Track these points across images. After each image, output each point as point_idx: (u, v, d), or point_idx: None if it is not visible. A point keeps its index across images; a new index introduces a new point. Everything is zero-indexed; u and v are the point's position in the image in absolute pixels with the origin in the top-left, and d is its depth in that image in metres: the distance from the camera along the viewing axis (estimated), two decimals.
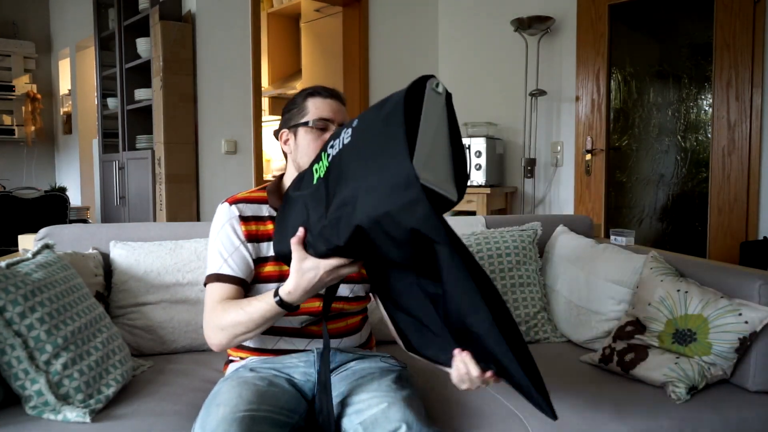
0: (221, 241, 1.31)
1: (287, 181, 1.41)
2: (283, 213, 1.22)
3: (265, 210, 1.36)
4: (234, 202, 1.35)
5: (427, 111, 0.93)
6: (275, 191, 1.39)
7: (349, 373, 1.29)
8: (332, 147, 1.05)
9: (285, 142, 1.39)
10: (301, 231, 1.10)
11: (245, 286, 1.31)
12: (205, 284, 1.32)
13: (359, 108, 4.16)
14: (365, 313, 1.49)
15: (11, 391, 1.23)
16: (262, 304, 1.17)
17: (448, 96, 0.99)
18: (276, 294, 1.14)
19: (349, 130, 1.01)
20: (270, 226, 1.34)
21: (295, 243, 1.10)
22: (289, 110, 1.39)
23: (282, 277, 1.32)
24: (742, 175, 3.18)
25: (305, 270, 1.09)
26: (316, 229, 1.06)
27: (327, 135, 1.33)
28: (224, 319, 1.21)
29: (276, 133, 1.42)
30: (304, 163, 1.34)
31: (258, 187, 1.43)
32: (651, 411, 1.34)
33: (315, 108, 1.34)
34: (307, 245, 1.09)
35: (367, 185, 0.93)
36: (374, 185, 0.91)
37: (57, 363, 1.23)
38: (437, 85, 0.96)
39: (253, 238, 1.32)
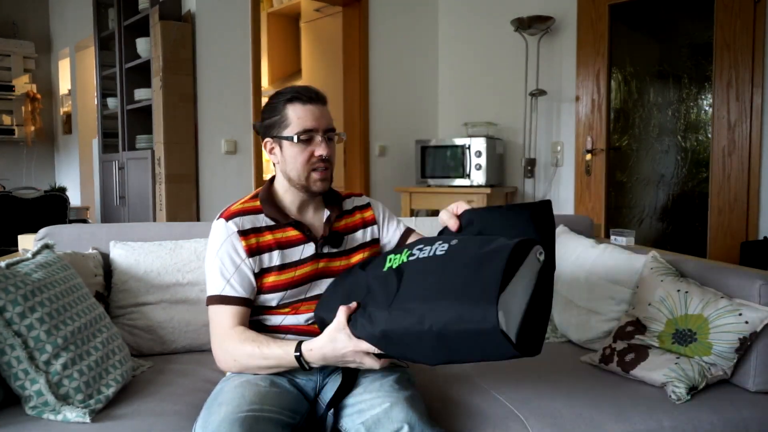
0: (221, 261, 1.29)
1: (278, 187, 1.38)
2: (342, 280, 1.27)
3: (261, 220, 1.34)
4: (229, 216, 1.33)
5: (523, 270, 1.02)
6: (268, 200, 1.37)
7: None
8: (421, 250, 1.13)
9: (270, 151, 1.36)
10: (354, 304, 1.14)
11: (250, 305, 1.31)
12: (207, 304, 1.31)
13: (359, 108, 4.16)
14: None
15: (11, 391, 1.23)
16: (279, 352, 1.19)
17: (543, 265, 1.07)
18: (298, 348, 1.17)
19: (446, 246, 1.10)
20: (269, 236, 1.33)
21: (343, 310, 1.13)
22: (269, 117, 1.34)
23: (287, 287, 1.32)
24: (742, 175, 3.18)
25: (337, 338, 1.12)
26: (370, 310, 1.11)
27: (312, 147, 1.30)
28: (239, 350, 1.23)
29: (256, 130, 1.38)
30: (294, 176, 1.32)
31: (249, 196, 1.40)
32: (651, 411, 1.34)
33: (297, 118, 1.30)
34: (351, 319, 1.13)
35: (446, 310, 1.00)
36: (454, 316, 0.98)
37: (57, 363, 1.23)
38: (540, 254, 1.05)
39: (254, 251, 1.30)
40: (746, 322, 1.41)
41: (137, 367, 1.51)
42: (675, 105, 3.48)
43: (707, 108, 3.34)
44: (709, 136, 3.31)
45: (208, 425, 1.07)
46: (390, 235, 1.49)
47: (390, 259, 1.17)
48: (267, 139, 1.35)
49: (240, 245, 1.30)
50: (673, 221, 3.54)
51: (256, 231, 1.32)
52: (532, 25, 3.70)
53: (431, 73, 4.54)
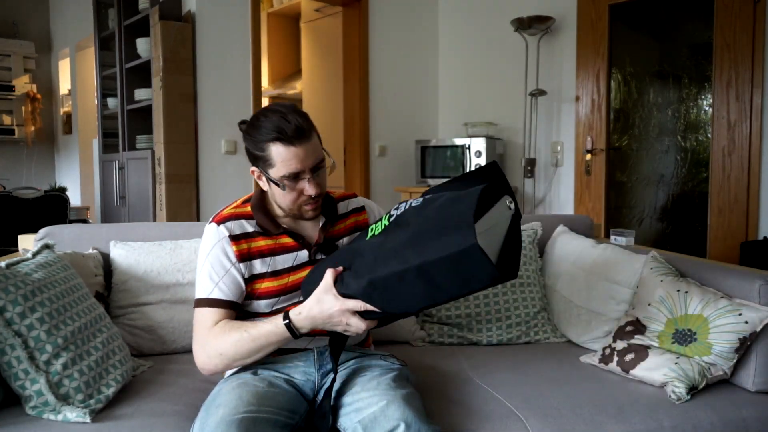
0: (211, 264, 1.29)
1: (270, 198, 1.37)
2: (327, 259, 1.27)
3: (253, 225, 1.33)
4: (221, 221, 1.32)
5: (494, 212, 1.08)
6: (260, 208, 1.35)
7: (348, 372, 1.29)
8: (397, 209, 1.19)
9: (258, 178, 1.33)
10: (340, 268, 1.16)
11: (237, 309, 1.30)
12: (194, 306, 1.30)
13: (359, 108, 4.16)
14: None
15: (11, 391, 1.23)
16: (268, 326, 1.19)
17: (516, 215, 1.12)
18: (286, 316, 1.18)
19: (420, 199, 1.17)
20: (261, 242, 1.32)
21: (330, 271, 1.15)
22: (253, 148, 1.27)
23: (280, 293, 1.32)
24: (742, 175, 3.18)
25: (323, 299, 1.14)
26: (356, 266, 1.14)
27: (300, 186, 1.26)
28: (224, 342, 1.22)
29: (241, 129, 1.32)
30: (285, 207, 1.31)
31: (242, 201, 1.39)
32: (651, 411, 1.34)
33: (281, 161, 1.23)
34: (338, 281, 1.15)
35: (425, 244, 1.04)
36: (434, 247, 1.02)
37: (57, 363, 1.23)
38: (510, 203, 1.11)
39: (245, 257, 1.30)
40: (746, 322, 1.41)
41: (137, 367, 1.51)
42: (675, 105, 3.48)
43: (707, 108, 3.34)
44: (709, 136, 3.31)
45: (205, 427, 1.07)
46: None
47: (372, 229, 1.20)
48: (253, 168, 1.32)
49: (231, 250, 1.29)
50: (673, 221, 3.54)
51: (248, 236, 1.32)
52: (532, 25, 3.70)
53: (431, 73, 4.54)
